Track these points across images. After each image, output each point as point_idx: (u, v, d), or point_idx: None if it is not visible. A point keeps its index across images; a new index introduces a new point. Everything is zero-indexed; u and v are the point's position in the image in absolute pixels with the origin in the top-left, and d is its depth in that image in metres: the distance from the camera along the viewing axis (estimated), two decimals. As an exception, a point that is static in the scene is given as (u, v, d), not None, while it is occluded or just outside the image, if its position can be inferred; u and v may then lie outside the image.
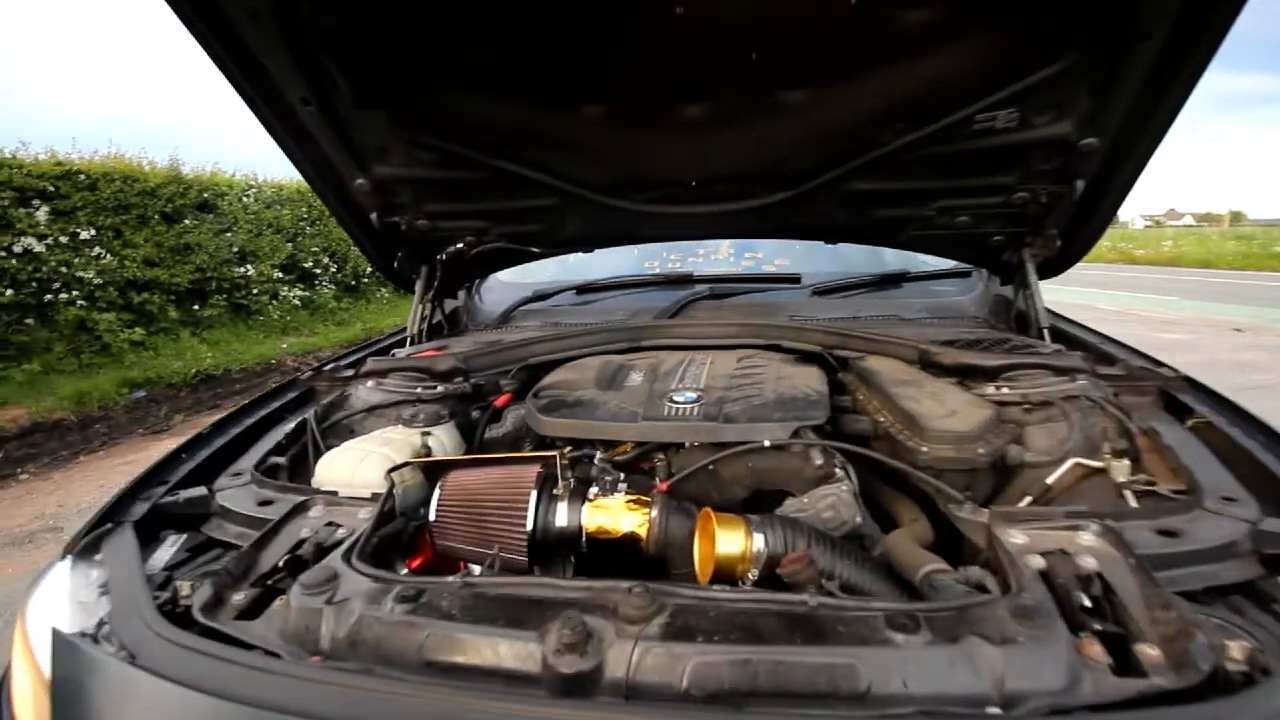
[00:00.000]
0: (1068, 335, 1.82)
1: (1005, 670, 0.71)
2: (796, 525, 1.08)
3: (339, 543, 1.05)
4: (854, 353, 1.67)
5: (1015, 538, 0.97)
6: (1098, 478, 1.24)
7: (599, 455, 1.30)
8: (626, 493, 1.19)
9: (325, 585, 0.90)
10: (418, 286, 2.07)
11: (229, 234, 9.10)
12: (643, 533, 1.13)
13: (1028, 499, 1.27)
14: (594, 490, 1.18)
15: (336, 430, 1.57)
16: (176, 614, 0.94)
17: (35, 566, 3.33)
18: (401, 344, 2.06)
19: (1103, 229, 1.71)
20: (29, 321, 6.77)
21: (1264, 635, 0.80)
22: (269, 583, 0.98)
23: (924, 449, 1.20)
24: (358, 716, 0.70)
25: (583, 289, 2.33)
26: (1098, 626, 0.79)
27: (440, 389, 1.66)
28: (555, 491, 1.17)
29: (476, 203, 1.88)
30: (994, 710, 0.69)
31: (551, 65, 1.42)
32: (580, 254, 2.32)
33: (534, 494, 1.13)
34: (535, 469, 1.18)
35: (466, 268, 2.13)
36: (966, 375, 1.48)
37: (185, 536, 1.19)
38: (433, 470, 1.29)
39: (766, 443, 1.23)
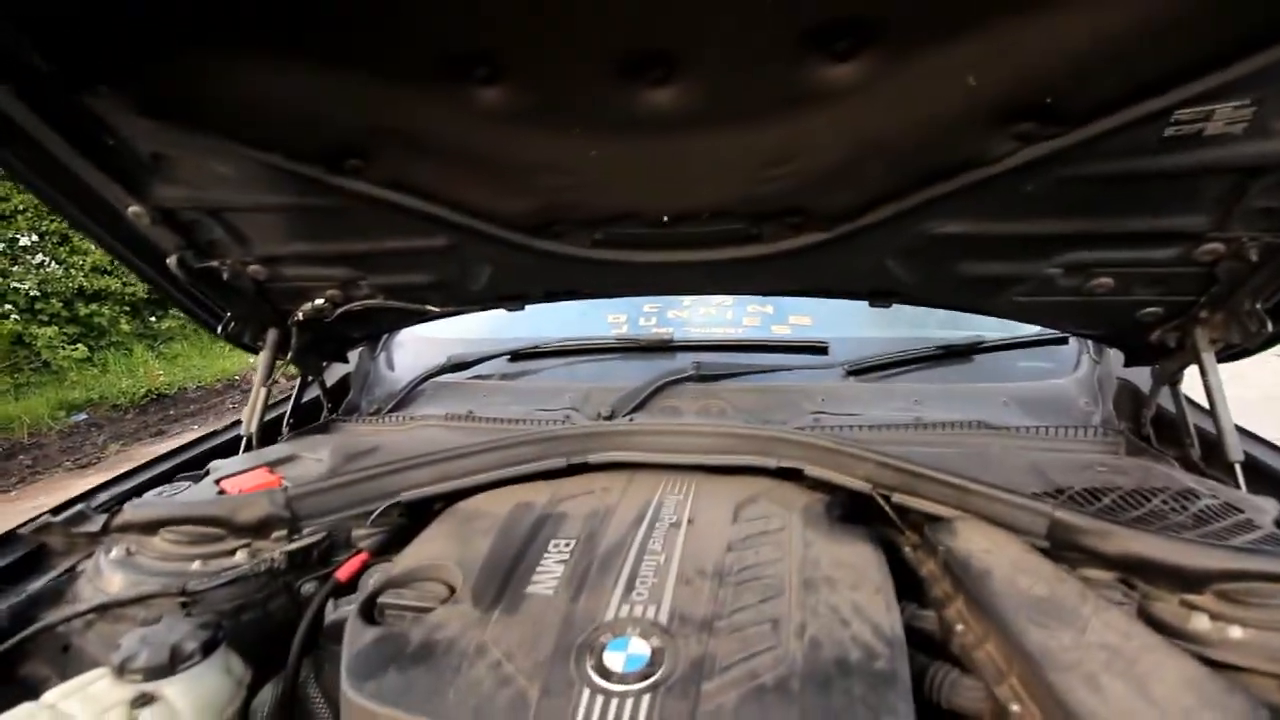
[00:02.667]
0: (1260, 467, 1.15)
1: None
2: None
3: None
4: (929, 505, 1.00)
5: None
6: None
7: None
8: None
9: None
10: (260, 360, 1.40)
11: (193, 239, 8.44)
12: None
13: None
14: None
15: (41, 649, 0.90)
16: None
17: None
18: (235, 446, 1.39)
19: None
20: (-45, 338, 6.14)
21: None
22: None
23: None
24: None
25: (518, 355, 1.66)
26: None
27: (240, 555, 1.01)
28: None
29: (331, 243, 1.22)
30: None
31: (405, 10, 0.76)
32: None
33: None
34: None
35: (339, 330, 1.46)
36: (1144, 575, 0.82)
37: None
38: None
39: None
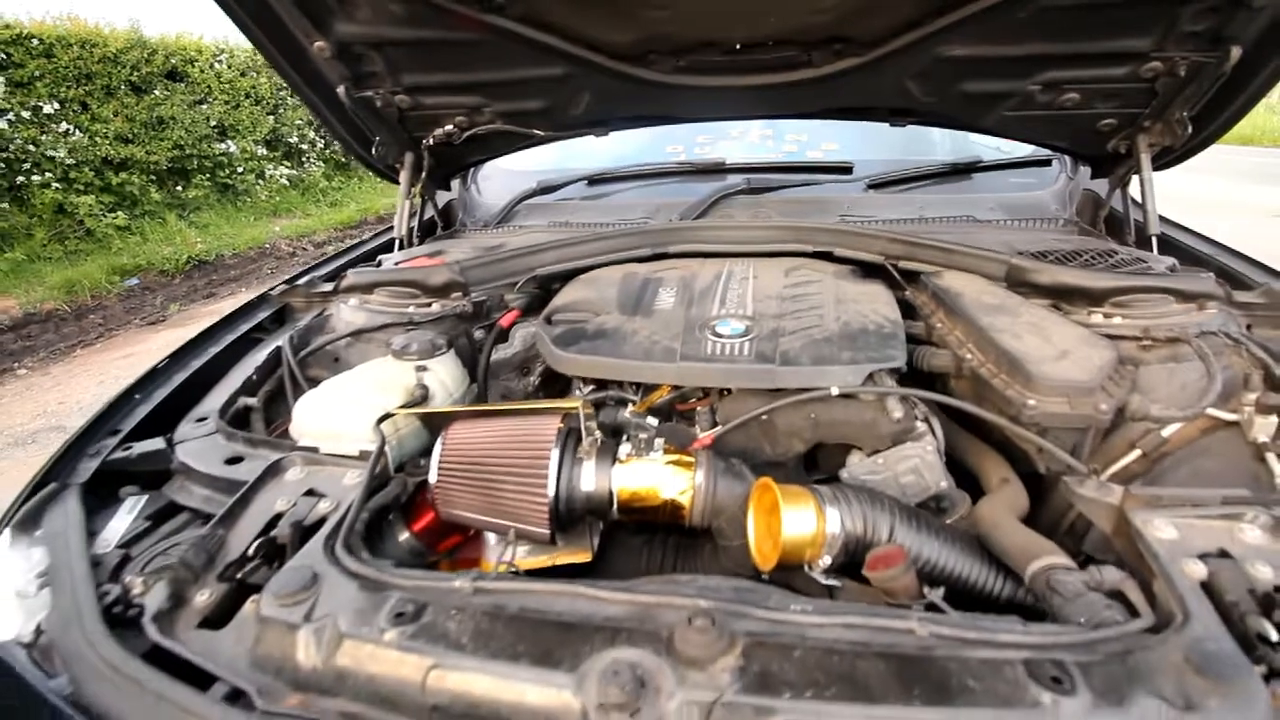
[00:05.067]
0: (1177, 245, 1.53)
1: None
2: (876, 500, 0.89)
3: (322, 520, 0.86)
4: (924, 265, 1.40)
5: (1162, 531, 0.77)
6: (1227, 433, 1.03)
7: (630, 408, 1.08)
8: (664, 449, 0.99)
9: (303, 592, 0.72)
10: (402, 178, 1.76)
11: (204, 106, 8.38)
12: (685, 501, 0.95)
13: (1135, 454, 1.07)
14: (626, 448, 0.98)
15: (318, 359, 1.35)
16: (128, 618, 0.77)
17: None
18: (388, 248, 1.79)
19: (1244, 113, 1.37)
20: (4, 206, 6.38)
21: None
22: (238, 576, 0.81)
23: (1030, 402, 0.98)
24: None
25: (595, 179, 2.00)
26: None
27: (435, 307, 1.42)
28: (580, 450, 0.97)
29: (466, 73, 1.53)
30: None
31: None
32: (592, 137, 1.97)
33: (555, 455, 0.94)
34: (554, 423, 0.97)
35: (459, 154, 1.80)
36: (1066, 298, 1.23)
37: (145, 499, 1.02)
38: (432, 416, 1.09)
39: (834, 391, 1.01)
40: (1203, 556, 0.73)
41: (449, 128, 1.68)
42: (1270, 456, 0.96)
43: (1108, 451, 1.09)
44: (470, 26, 1.36)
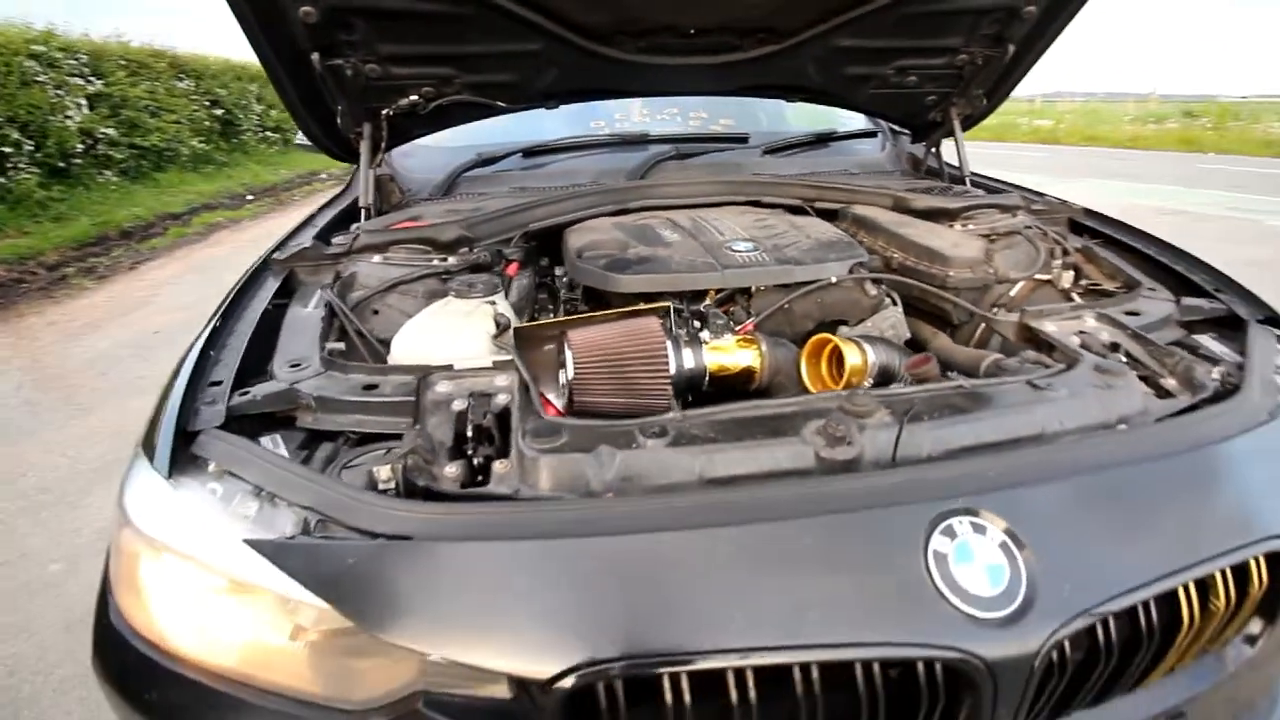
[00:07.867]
0: (982, 184, 2.20)
1: (1117, 405, 1.00)
2: (887, 341, 1.29)
3: (506, 409, 1.02)
4: (832, 204, 1.87)
5: (1049, 327, 1.27)
6: (1045, 289, 1.62)
7: (706, 303, 1.36)
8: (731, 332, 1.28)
9: (555, 436, 0.90)
10: (363, 149, 1.78)
11: None
12: (756, 365, 1.26)
13: (997, 309, 1.61)
14: (707, 334, 1.26)
15: (358, 312, 1.39)
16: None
17: None
18: (352, 218, 1.80)
19: (1014, 87, 2.05)
20: None
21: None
22: (467, 453, 0.94)
23: (951, 274, 1.46)
24: (702, 520, 0.78)
25: (531, 151, 2.18)
26: (1137, 373, 1.11)
27: (451, 260, 1.54)
28: (679, 339, 1.22)
29: (444, 44, 1.64)
30: (1122, 427, 0.98)
31: None
32: (511, 115, 2.14)
33: (669, 342, 1.18)
34: (656, 320, 1.22)
35: (413, 126, 1.87)
36: (934, 216, 1.76)
37: (278, 436, 1.05)
38: (518, 337, 1.25)
39: (834, 279, 1.39)
40: (1074, 335, 1.24)
41: (414, 98, 1.75)
42: (1074, 295, 1.55)
43: (981, 306, 1.62)
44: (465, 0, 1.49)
